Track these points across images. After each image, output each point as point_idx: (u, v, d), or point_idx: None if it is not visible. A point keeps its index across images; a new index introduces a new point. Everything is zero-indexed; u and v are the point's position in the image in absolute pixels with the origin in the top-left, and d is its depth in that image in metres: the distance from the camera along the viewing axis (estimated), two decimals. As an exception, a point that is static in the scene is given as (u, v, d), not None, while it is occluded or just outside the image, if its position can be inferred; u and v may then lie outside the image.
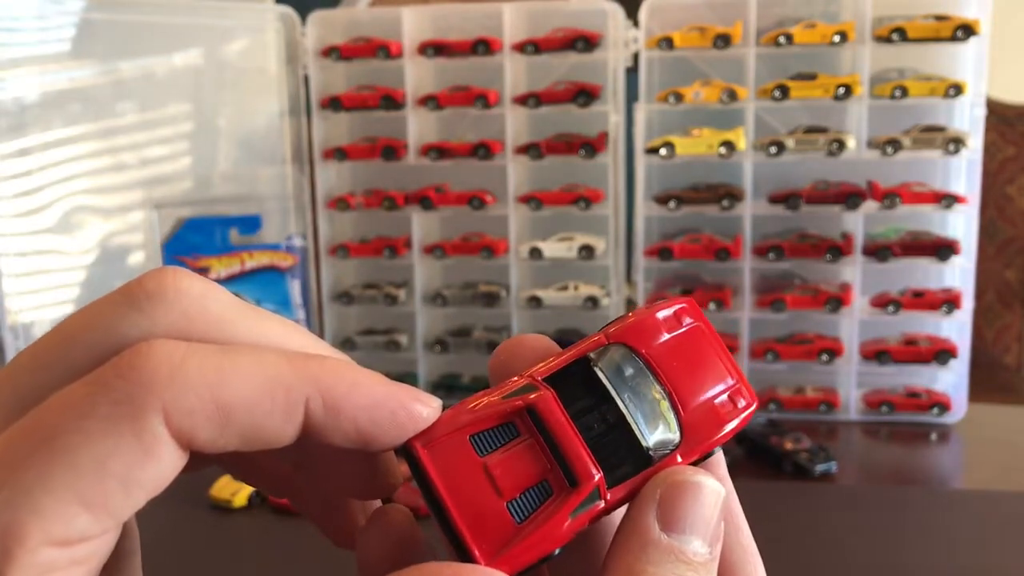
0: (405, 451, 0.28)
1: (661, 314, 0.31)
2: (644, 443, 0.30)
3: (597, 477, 0.29)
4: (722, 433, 0.30)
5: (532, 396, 0.29)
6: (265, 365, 0.25)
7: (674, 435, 0.30)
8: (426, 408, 0.28)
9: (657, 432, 0.30)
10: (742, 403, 0.31)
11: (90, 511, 0.22)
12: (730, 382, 0.31)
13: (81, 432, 0.22)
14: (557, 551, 0.28)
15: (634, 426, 0.30)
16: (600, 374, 0.31)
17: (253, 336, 0.27)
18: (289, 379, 0.25)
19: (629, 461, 0.30)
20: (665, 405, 0.30)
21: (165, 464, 0.23)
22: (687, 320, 0.32)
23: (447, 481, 0.28)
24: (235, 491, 1.09)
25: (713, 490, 0.29)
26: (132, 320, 0.25)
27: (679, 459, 0.30)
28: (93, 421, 0.23)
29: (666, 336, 0.31)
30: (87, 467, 0.22)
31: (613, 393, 0.30)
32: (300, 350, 0.27)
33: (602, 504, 0.29)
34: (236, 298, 0.27)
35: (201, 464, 0.28)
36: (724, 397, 0.31)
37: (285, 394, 0.25)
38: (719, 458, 0.32)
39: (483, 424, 0.29)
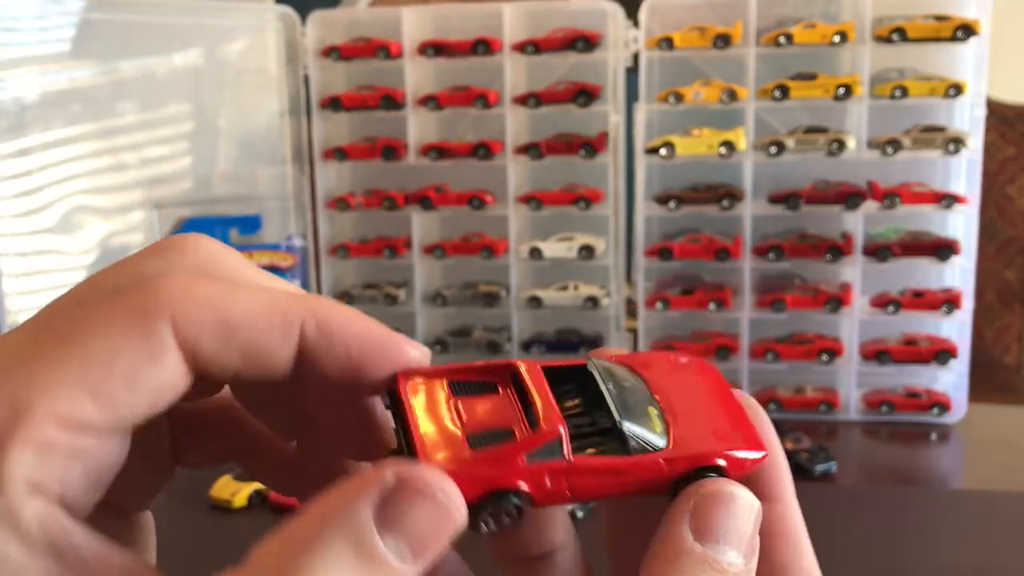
0: (388, 390, 0.29)
1: (674, 357, 0.33)
2: (617, 423, 0.30)
3: (561, 430, 0.29)
4: (717, 453, 0.30)
5: (518, 360, 0.31)
6: (266, 293, 0.27)
7: (659, 439, 0.30)
8: (414, 349, 0.29)
9: (638, 425, 0.30)
10: (746, 448, 0.31)
11: (94, 400, 0.24)
12: (737, 426, 0.31)
13: (95, 331, 0.25)
14: (514, 502, 0.28)
15: (611, 405, 0.30)
16: (592, 369, 0.31)
17: (261, 283, 0.29)
18: (287, 304, 0.27)
19: (604, 442, 0.30)
20: (655, 412, 0.31)
21: (169, 370, 0.25)
22: (698, 370, 0.33)
23: (416, 407, 0.29)
24: (235, 491, 1.09)
25: (748, 502, 0.28)
26: (154, 265, 0.28)
27: (662, 461, 0.30)
28: (107, 324, 0.25)
29: (673, 374, 0.32)
30: (97, 360, 0.24)
31: (599, 381, 0.31)
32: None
33: (564, 462, 0.28)
34: (246, 260, 0.30)
35: (209, 391, 0.30)
36: (726, 431, 0.31)
37: (283, 315, 0.27)
38: (786, 479, 0.32)
39: (465, 375, 0.30)
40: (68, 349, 0.24)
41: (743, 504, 0.28)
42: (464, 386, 0.30)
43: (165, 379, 0.25)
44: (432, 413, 0.29)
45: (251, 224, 1.52)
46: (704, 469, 0.30)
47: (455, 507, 0.25)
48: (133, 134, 1.43)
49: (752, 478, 0.31)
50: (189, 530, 1.04)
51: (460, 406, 0.29)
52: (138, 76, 1.43)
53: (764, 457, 0.31)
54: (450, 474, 0.26)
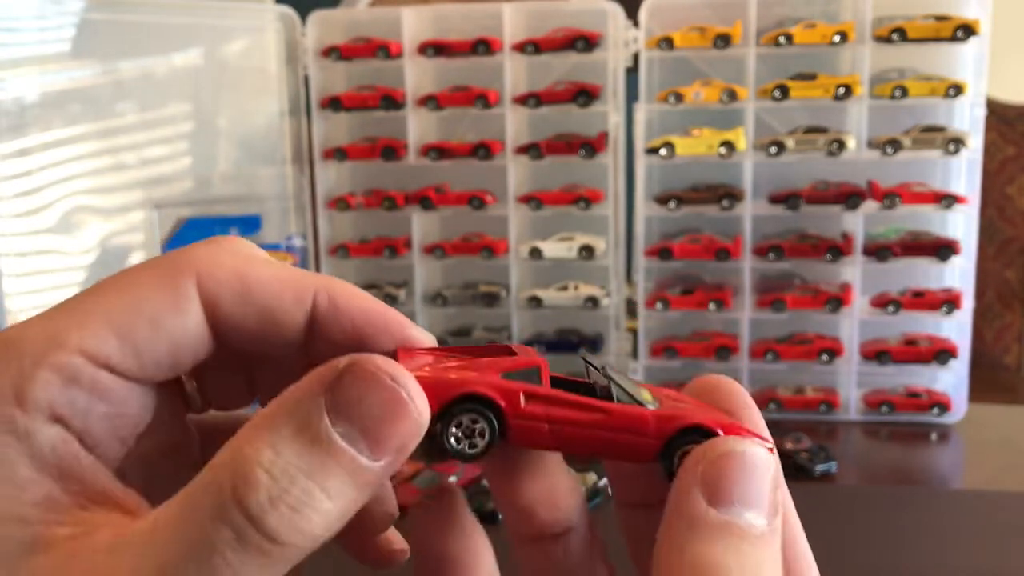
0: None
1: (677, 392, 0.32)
2: (601, 370, 0.30)
3: (542, 362, 0.29)
4: (713, 421, 0.29)
5: (516, 345, 0.31)
6: (285, 267, 0.30)
7: (649, 402, 0.29)
8: (417, 330, 0.31)
9: (626, 383, 0.30)
10: (746, 432, 0.29)
11: (119, 339, 0.27)
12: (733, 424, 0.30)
13: (129, 282, 0.28)
14: (485, 412, 0.27)
15: (601, 374, 0.30)
16: (587, 360, 0.32)
17: None
18: (301, 276, 0.30)
19: (584, 389, 0.30)
20: (648, 394, 0.30)
21: (189, 319, 0.28)
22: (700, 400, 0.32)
23: (409, 360, 0.29)
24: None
25: (763, 458, 0.27)
26: (184, 251, 0.30)
27: (649, 415, 0.28)
28: (141, 275, 0.28)
29: (677, 395, 0.32)
30: (126, 304, 0.27)
31: (596, 368, 0.31)
32: None
33: (540, 389, 0.28)
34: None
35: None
36: (724, 419, 0.30)
37: (297, 283, 0.29)
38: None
39: (463, 350, 0.31)
40: (103, 296, 0.27)
41: (758, 461, 0.26)
42: (461, 353, 0.31)
43: (187, 329, 0.28)
44: (424, 362, 0.29)
45: (251, 224, 1.52)
46: (696, 430, 0.28)
47: (410, 396, 0.25)
48: (133, 134, 1.43)
49: None
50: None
51: (452, 362, 0.30)
52: (138, 76, 1.43)
53: (772, 449, 0.29)
54: (418, 378, 0.26)
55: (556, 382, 0.30)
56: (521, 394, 0.28)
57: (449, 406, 0.27)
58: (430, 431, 0.27)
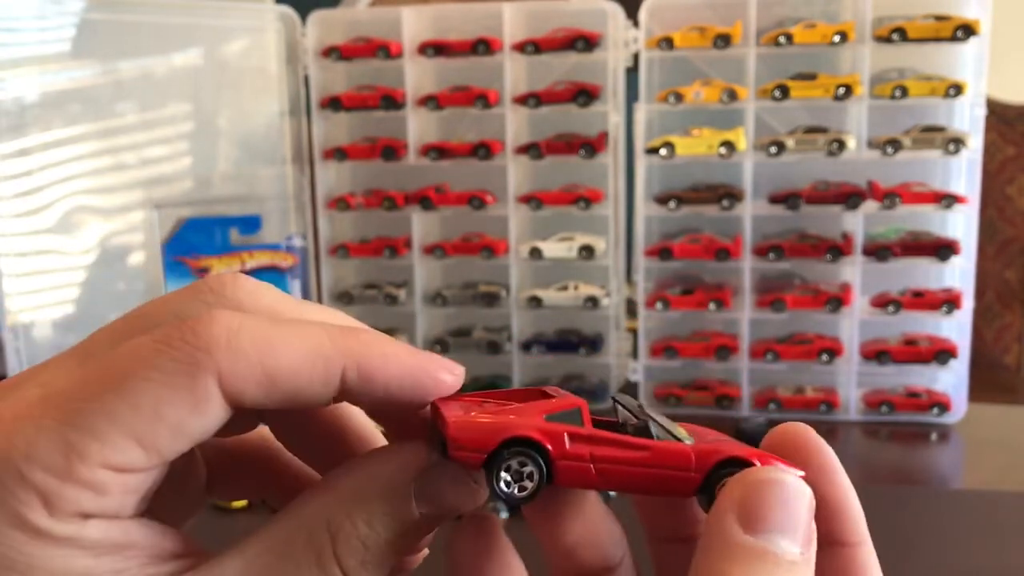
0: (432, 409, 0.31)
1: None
2: (641, 412, 0.30)
3: (583, 404, 0.29)
4: (750, 453, 0.30)
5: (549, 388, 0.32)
6: (308, 339, 0.28)
7: (686, 438, 0.30)
8: (450, 375, 0.30)
9: (663, 422, 0.31)
10: (784, 462, 0.30)
11: (142, 447, 0.26)
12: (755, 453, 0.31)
13: (146, 380, 0.26)
14: (531, 454, 0.28)
15: (638, 413, 0.31)
16: (620, 400, 0.33)
17: (297, 318, 0.31)
18: (328, 351, 0.28)
19: (624, 429, 0.30)
20: (683, 431, 0.31)
21: (211, 418, 0.27)
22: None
23: (450, 407, 0.30)
24: (235, 491, 1.08)
25: (797, 487, 0.27)
26: (194, 306, 0.29)
27: (689, 449, 0.29)
28: (157, 372, 0.26)
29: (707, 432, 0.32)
30: (146, 410, 0.26)
31: (627, 405, 0.32)
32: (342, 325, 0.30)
33: (583, 430, 0.29)
34: (284, 293, 0.32)
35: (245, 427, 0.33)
36: (759, 452, 0.30)
37: (324, 364, 0.28)
38: (860, 521, 0.30)
39: (499, 396, 0.32)
40: (119, 394, 0.26)
41: (793, 489, 0.27)
42: (496, 398, 0.32)
43: (207, 424, 0.27)
44: (464, 408, 0.30)
45: (251, 224, 1.51)
46: (734, 462, 0.29)
47: (482, 491, 0.29)
48: (133, 134, 1.43)
49: (825, 520, 0.30)
50: (189, 530, 1.04)
51: (491, 406, 0.31)
52: (138, 76, 1.43)
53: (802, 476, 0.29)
54: (466, 424, 0.28)
55: (593, 423, 0.31)
56: (565, 435, 0.29)
57: (498, 450, 0.28)
58: (479, 475, 0.29)
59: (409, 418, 0.31)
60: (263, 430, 0.34)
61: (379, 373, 0.29)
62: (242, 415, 0.30)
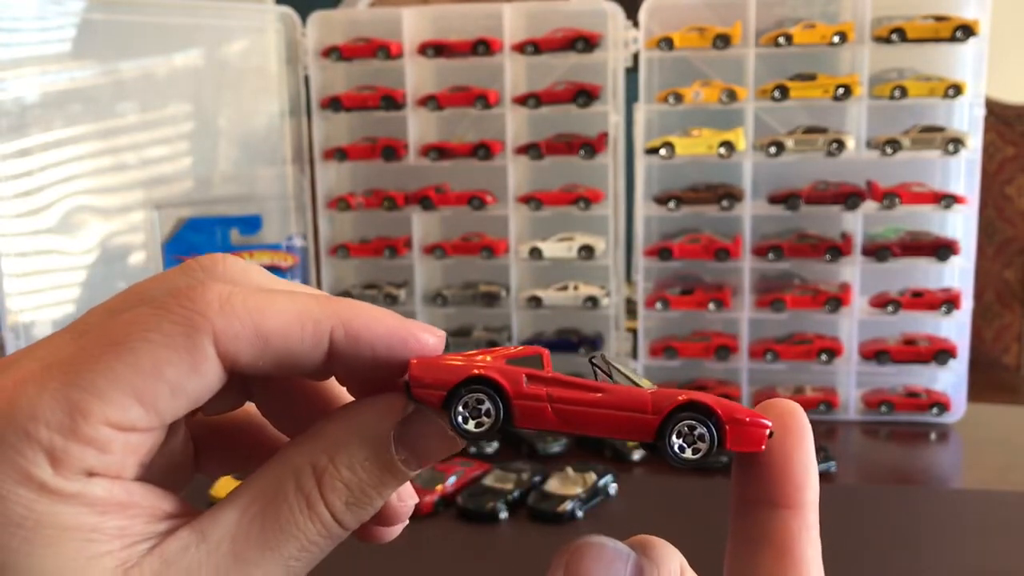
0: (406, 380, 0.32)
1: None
2: (598, 356, 0.31)
3: (544, 351, 0.31)
4: (711, 399, 0.30)
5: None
6: (297, 302, 0.29)
7: (644, 384, 0.31)
8: (432, 337, 0.31)
9: (624, 367, 0.32)
10: (751, 414, 0.31)
11: (142, 405, 0.27)
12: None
13: (145, 342, 0.27)
14: (488, 391, 0.29)
15: (602, 362, 0.32)
16: (591, 363, 0.33)
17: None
18: (317, 314, 0.29)
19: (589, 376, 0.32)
20: (648, 382, 0.32)
21: (208, 379, 0.28)
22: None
23: (421, 364, 0.31)
24: (235, 491, 1.08)
25: (618, 550, 0.29)
26: (185, 279, 0.30)
27: (646, 392, 0.30)
28: (156, 334, 0.27)
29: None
30: (146, 370, 0.27)
31: (596, 360, 0.33)
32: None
33: (542, 372, 0.30)
34: (272, 274, 0.33)
35: (240, 399, 0.34)
36: (721, 400, 0.31)
37: (314, 325, 0.29)
38: (803, 483, 0.31)
39: (471, 353, 0.32)
40: (118, 355, 0.27)
41: (610, 552, 0.29)
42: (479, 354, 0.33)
43: (204, 384, 0.28)
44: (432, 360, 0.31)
45: (251, 224, 1.52)
46: (691, 407, 0.30)
47: (459, 439, 0.30)
48: (133, 134, 1.43)
49: (767, 478, 0.31)
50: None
51: (458, 354, 0.32)
52: (138, 76, 1.43)
53: (767, 428, 0.31)
54: (428, 364, 0.29)
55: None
56: (524, 376, 0.30)
57: (456, 388, 0.30)
58: (436, 421, 0.30)
59: (392, 386, 0.32)
60: (249, 407, 0.35)
61: (365, 333, 0.30)
62: (232, 390, 0.32)
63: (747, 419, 0.31)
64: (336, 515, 0.29)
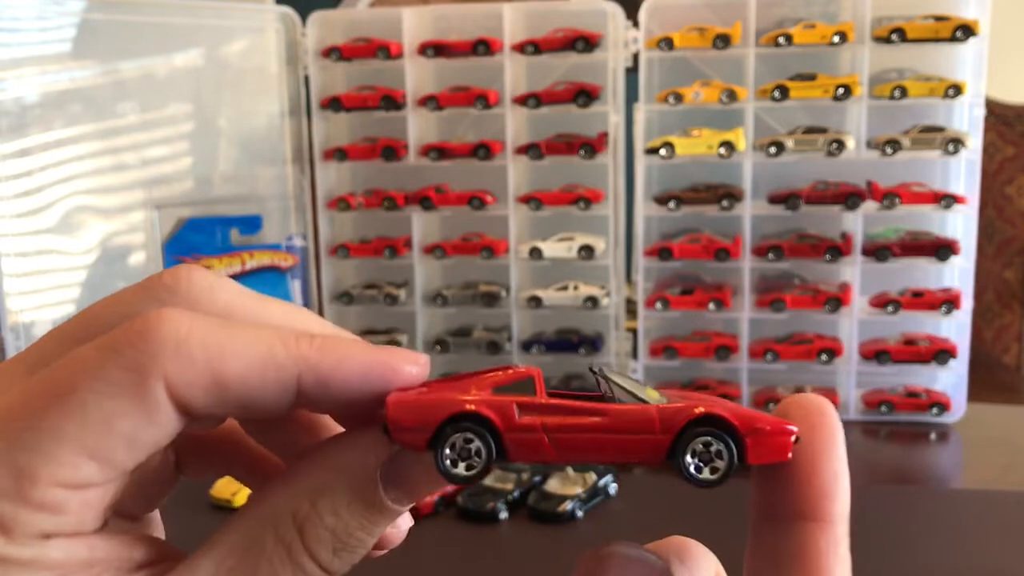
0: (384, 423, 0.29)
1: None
2: (597, 371, 0.28)
3: (536, 372, 0.28)
4: (726, 410, 0.27)
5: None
6: (260, 345, 0.27)
7: (652, 398, 0.28)
8: (414, 366, 0.28)
9: (624, 381, 0.29)
10: (771, 423, 0.28)
11: (96, 461, 0.25)
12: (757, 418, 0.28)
13: (92, 392, 0.25)
14: (478, 429, 0.26)
15: (601, 377, 0.29)
16: (592, 372, 0.30)
17: (255, 319, 0.29)
18: (281, 358, 0.27)
19: (585, 393, 0.29)
20: (655, 393, 0.29)
21: (164, 427, 0.26)
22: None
23: (396, 392, 0.28)
24: (235, 491, 1.09)
25: (647, 562, 0.26)
26: (149, 306, 0.28)
27: (652, 410, 0.27)
28: (103, 384, 0.25)
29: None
30: (96, 424, 0.25)
31: (596, 377, 0.30)
32: (301, 328, 0.28)
33: (535, 399, 0.27)
34: (244, 288, 0.30)
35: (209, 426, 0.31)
36: (737, 409, 0.28)
37: (277, 372, 0.26)
38: (833, 496, 0.29)
39: (457, 377, 0.29)
40: (65, 410, 0.25)
41: (639, 565, 0.26)
42: (461, 378, 0.30)
43: (160, 433, 0.26)
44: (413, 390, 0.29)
45: (251, 224, 1.52)
46: (705, 421, 0.27)
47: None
48: (133, 134, 1.43)
49: (794, 488, 0.28)
50: (189, 530, 1.04)
51: (437, 383, 0.29)
52: (138, 76, 1.43)
53: (792, 434, 0.27)
54: (404, 403, 0.26)
55: (563, 396, 0.29)
56: (515, 406, 0.27)
57: (440, 428, 0.27)
58: (426, 456, 0.27)
59: (376, 417, 0.30)
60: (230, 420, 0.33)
61: (337, 376, 0.27)
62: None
63: (768, 428, 0.27)
64: (323, 564, 0.27)
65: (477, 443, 0.27)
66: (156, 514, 0.34)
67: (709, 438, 0.27)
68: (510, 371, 0.28)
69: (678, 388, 0.32)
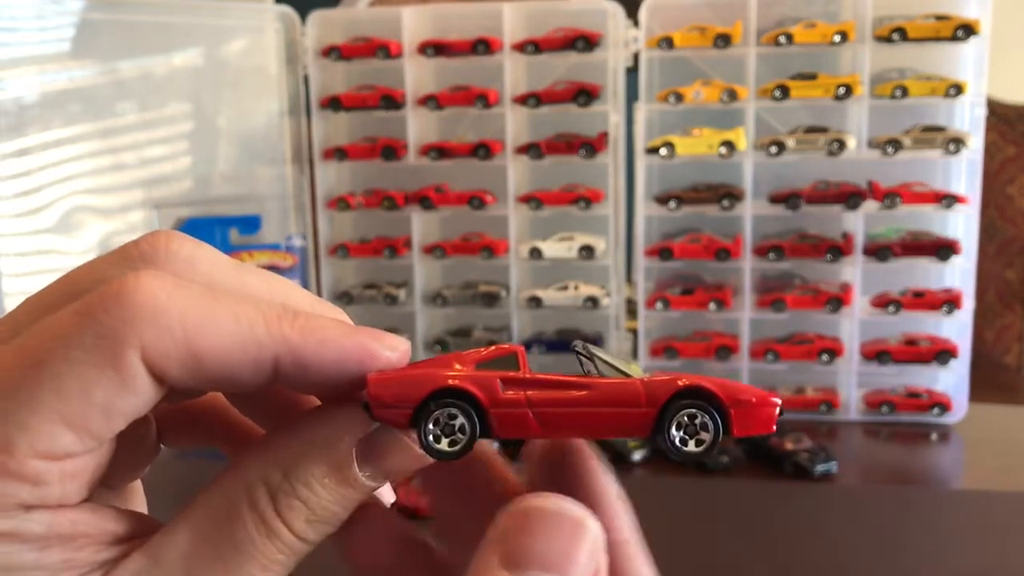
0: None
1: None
2: (581, 348, 0.28)
3: (519, 348, 0.27)
4: (711, 381, 0.27)
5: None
6: (241, 321, 0.26)
7: (635, 372, 0.28)
8: (393, 352, 0.28)
9: (608, 355, 0.28)
10: (756, 394, 0.27)
11: (73, 431, 0.25)
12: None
13: (68, 361, 0.24)
14: (461, 404, 0.26)
15: (585, 350, 0.28)
16: (575, 352, 0.30)
17: (235, 289, 0.28)
18: (261, 336, 0.26)
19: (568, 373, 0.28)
20: (637, 367, 0.29)
21: (141, 396, 0.25)
22: None
23: (379, 380, 0.27)
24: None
25: (573, 517, 0.24)
26: (125, 273, 0.27)
27: (637, 383, 0.27)
28: (79, 351, 0.24)
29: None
30: (72, 393, 0.24)
31: (578, 357, 0.30)
32: (282, 300, 0.28)
33: (518, 374, 0.27)
34: (224, 256, 0.29)
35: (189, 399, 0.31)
36: (726, 382, 0.28)
37: (256, 350, 0.26)
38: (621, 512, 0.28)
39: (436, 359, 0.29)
40: (40, 380, 0.24)
41: (566, 520, 0.24)
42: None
43: (138, 402, 0.25)
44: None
45: (251, 224, 1.51)
46: (690, 394, 0.26)
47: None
48: (133, 134, 1.43)
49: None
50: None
51: (422, 362, 0.29)
52: (138, 76, 1.42)
53: (776, 406, 0.27)
54: (384, 380, 0.26)
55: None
56: (499, 381, 0.27)
57: (423, 404, 0.26)
58: (404, 434, 0.27)
59: (354, 395, 0.29)
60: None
61: (315, 359, 0.27)
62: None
63: (753, 400, 0.27)
64: (297, 532, 0.27)
65: (461, 419, 0.27)
66: (138, 484, 0.33)
67: (694, 410, 0.27)
68: (493, 348, 0.28)
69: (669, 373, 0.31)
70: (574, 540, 0.24)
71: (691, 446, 0.27)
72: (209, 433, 0.33)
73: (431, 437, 0.27)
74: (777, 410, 0.27)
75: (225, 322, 0.26)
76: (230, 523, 0.27)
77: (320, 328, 0.27)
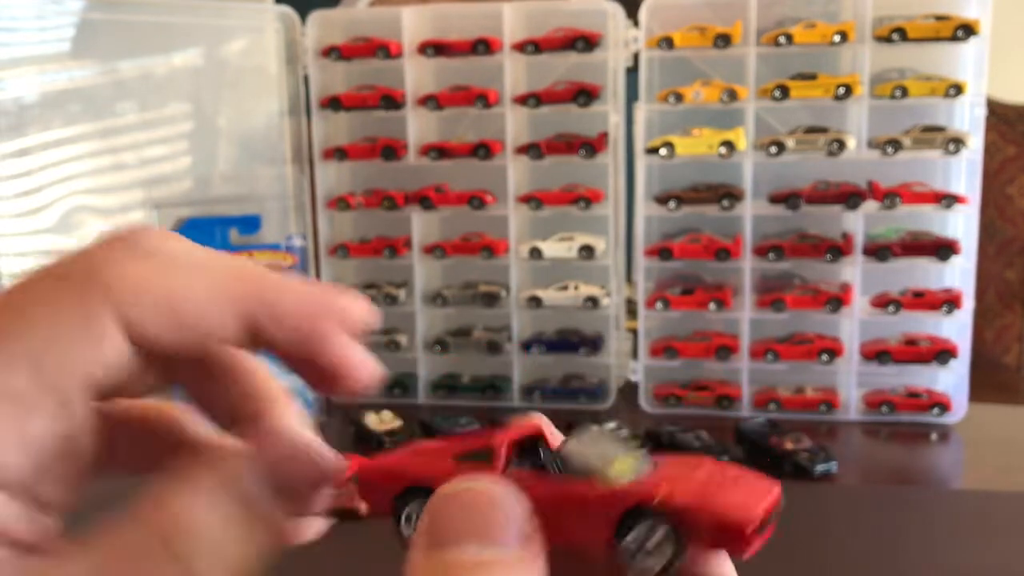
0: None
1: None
2: (544, 447, 0.28)
3: (498, 442, 0.27)
4: (684, 494, 0.25)
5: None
6: (214, 278, 0.27)
7: (616, 473, 0.26)
8: (356, 308, 0.29)
9: (585, 451, 0.27)
10: (738, 508, 0.25)
11: (32, 371, 0.25)
12: (750, 499, 0.26)
13: (40, 309, 0.25)
14: None
15: (565, 442, 0.28)
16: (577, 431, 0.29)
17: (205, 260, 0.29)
18: (237, 293, 0.27)
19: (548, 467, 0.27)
20: (630, 461, 0.27)
21: (107, 348, 0.26)
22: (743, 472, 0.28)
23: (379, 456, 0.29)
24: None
25: (479, 491, 0.26)
26: (102, 254, 0.27)
27: (599, 489, 0.25)
28: (51, 303, 0.25)
29: (703, 464, 0.28)
30: (38, 336, 0.25)
31: (567, 432, 0.29)
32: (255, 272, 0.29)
33: (493, 469, 0.27)
34: (195, 244, 0.30)
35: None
36: (728, 496, 0.26)
37: (232, 305, 0.27)
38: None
39: (465, 437, 0.30)
40: (12, 322, 0.25)
41: (474, 495, 0.25)
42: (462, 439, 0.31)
43: (104, 356, 0.26)
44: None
45: (251, 224, 1.51)
46: (640, 513, 0.24)
47: (329, 467, 0.29)
48: (133, 134, 1.43)
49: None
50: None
51: (406, 450, 0.30)
52: (138, 76, 1.42)
53: (755, 528, 0.25)
54: (370, 468, 0.27)
55: (544, 452, 0.28)
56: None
57: (401, 497, 0.27)
58: (388, 519, 0.28)
59: (317, 359, 0.29)
60: (165, 405, 0.33)
61: (292, 314, 0.28)
62: (151, 370, 0.29)
63: (731, 515, 0.24)
64: (205, 571, 0.26)
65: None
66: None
67: (649, 529, 0.25)
68: (472, 441, 0.28)
69: (703, 459, 0.28)
70: (492, 510, 0.25)
71: (647, 561, 0.25)
72: (159, 457, 0.32)
73: (405, 532, 0.28)
74: (751, 533, 0.25)
75: (201, 278, 0.27)
76: (138, 561, 0.25)
77: (287, 282, 0.28)
